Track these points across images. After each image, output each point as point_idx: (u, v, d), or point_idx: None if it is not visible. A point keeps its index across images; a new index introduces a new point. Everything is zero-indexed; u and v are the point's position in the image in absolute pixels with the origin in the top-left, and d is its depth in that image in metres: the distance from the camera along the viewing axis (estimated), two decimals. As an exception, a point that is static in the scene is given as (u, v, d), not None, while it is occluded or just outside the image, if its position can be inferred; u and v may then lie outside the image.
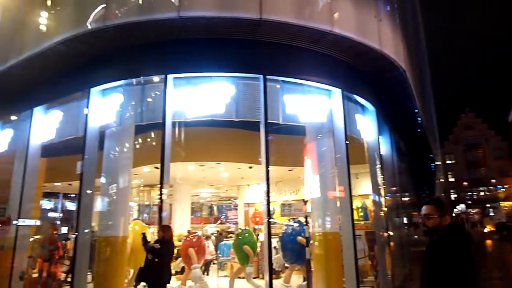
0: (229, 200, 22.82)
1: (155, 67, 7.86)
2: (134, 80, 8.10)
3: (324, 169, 8.67)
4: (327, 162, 8.67)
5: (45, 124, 9.67)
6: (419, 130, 16.33)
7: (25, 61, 8.89)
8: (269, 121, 7.50)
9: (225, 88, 7.70)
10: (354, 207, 8.80)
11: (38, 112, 9.81)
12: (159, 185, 7.24)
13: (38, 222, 10.48)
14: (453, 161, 70.54)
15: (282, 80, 8.05)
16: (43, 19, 9.03)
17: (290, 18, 7.34)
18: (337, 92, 8.60)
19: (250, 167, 13.03)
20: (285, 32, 7.59)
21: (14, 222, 9.55)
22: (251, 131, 8.58)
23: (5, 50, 9.81)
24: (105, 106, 8.36)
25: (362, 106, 9.69)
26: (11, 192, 10.16)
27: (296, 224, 9.54)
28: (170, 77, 7.64)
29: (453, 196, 68.38)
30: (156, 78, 7.97)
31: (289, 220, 10.74)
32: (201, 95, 7.65)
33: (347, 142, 8.40)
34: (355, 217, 10.16)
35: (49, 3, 9.21)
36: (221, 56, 7.72)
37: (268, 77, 7.73)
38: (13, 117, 10.96)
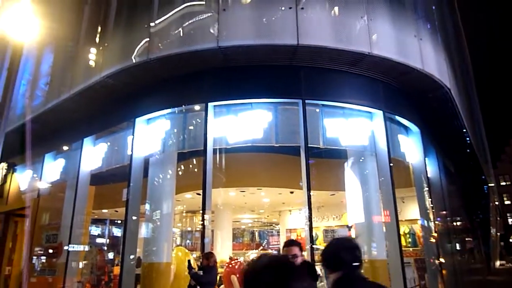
0: (270, 226, 22.59)
1: (196, 96, 8.12)
2: (176, 109, 8.41)
3: (367, 193, 8.43)
4: (370, 186, 8.44)
5: (94, 154, 10.17)
6: (468, 150, 15.58)
7: (76, 95, 9.48)
8: (309, 145, 7.46)
9: (264, 114, 7.79)
10: (401, 232, 8.45)
11: (87, 143, 10.34)
12: (201, 211, 7.33)
13: (87, 248, 10.89)
14: (508, 183, 66.27)
15: (322, 104, 8.04)
16: (92, 55, 9.65)
17: (327, 42, 7.38)
18: (378, 114, 8.44)
19: (291, 192, 12.92)
20: (323, 56, 7.62)
21: (65, 247, 9.96)
22: (291, 156, 8.57)
23: (58, 85, 10.55)
24: (149, 135, 8.70)
25: (405, 127, 9.43)
26: (62, 219, 10.67)
27: (340, 251, 9.24)
28: (210, 105, 7.86)
29: (510, 221, 63.84)
30: (197, 107, 8.22)
31: (332, 246, 10.43)
32: (241, 122, 7.79)
33: (391, 164, 8.16)
34: (403, 243, 9.73)
35: (97, 40, 9.85)
36: (260, 82, 7.86)
37: (307, 101, 7.75)
38: (64, 148, 11.63)
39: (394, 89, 8.79)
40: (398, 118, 9.06)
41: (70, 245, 9.83)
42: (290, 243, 4.00)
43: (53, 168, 11.76)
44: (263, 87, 7.84)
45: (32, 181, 12.42)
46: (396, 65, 8.03)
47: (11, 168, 13.21)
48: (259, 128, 7.68)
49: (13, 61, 6.16)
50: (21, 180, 12.94)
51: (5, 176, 13.38)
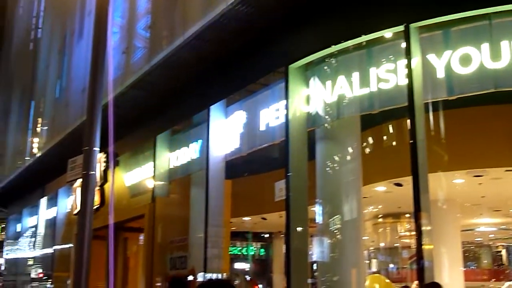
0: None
1: (386, 14, 7.97)
2: (351, 43, 8.44)
3: None
4: None
5: (227, 130, 10.99)
6: None
7: (192, 39, 10.22)
8: None
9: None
10: None
11: (216, 113, 11.23)
12: (413, 214, 7.25)
13: (225, 276, 11.77)
14: None
15: None
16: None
17: None
18: None
19: None
20: None
21: (200, 276, 10.96)
22: None
23: (164, 28, 11.51)
24: (311, 90, 9.00)
25: None
26: (190, 234, 11.83)
27: None
28: (413, 27, 7.64)
29: None
30: (388, 34, 8.14)
31: None
32: (472, 52, 7.34)
33: None
34: None
35: None
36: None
37: None
38: (182, 124, 12.78)
39: None
40: None
41: (205, 274, 10.78)
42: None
43: (169, 155, 13.11)
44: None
45: (143, 177, 13.97)
46: None
47: (113, 160, 14.81)
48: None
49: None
50: (128, 177, 14.70)
51: (105, 171, 14.95)
